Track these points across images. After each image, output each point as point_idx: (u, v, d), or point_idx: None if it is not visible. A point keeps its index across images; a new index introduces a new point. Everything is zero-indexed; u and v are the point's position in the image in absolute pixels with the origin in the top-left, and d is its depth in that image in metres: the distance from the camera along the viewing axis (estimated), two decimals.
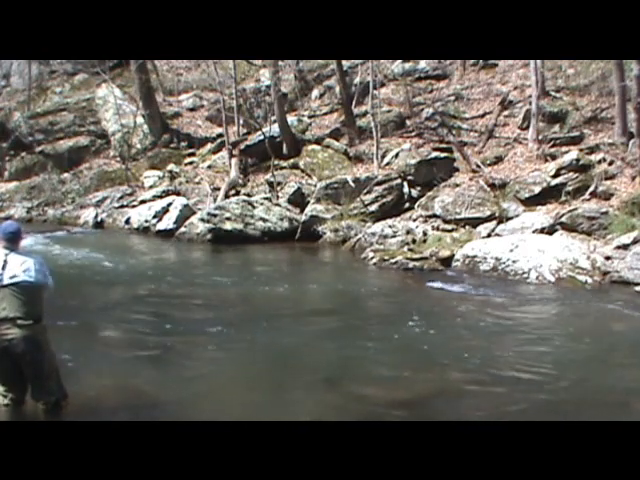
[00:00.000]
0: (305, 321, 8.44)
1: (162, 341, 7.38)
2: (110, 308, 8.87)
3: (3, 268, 4.80)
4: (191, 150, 20.31)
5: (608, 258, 11.11)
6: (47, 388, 4.92)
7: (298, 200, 16.01)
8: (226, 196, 16.75)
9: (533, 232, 12.62)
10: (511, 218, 13.56)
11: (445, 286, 10.41)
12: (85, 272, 11.40)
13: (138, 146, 20.71)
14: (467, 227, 13.75)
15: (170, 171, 18.99)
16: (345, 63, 19.40)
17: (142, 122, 20.80)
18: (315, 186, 16.02)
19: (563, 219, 12.89)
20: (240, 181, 17.84)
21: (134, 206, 17.63)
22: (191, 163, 19.68)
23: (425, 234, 13.50)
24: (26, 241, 5.28)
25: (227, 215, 15.07)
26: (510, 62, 18.78)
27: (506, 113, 17.37)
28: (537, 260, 11.01)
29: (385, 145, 17.18)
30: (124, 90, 21.90)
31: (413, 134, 17.76)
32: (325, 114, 19.87)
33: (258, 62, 22.27)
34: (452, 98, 18.59)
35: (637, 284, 10.21)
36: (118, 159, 20.43)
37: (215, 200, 16.66)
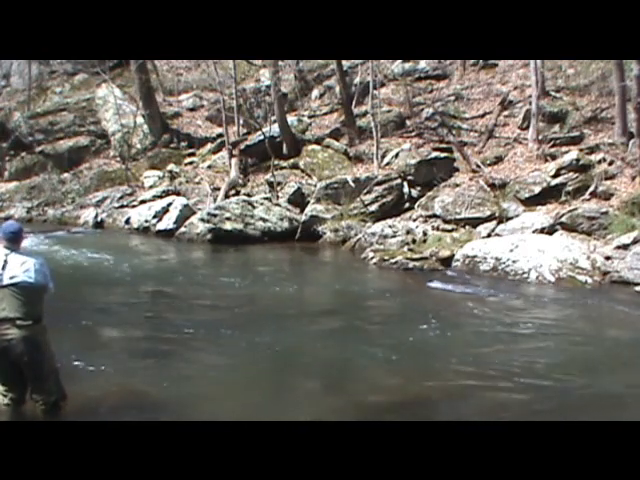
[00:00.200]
0: (305, 321, 8.44)
1: (162, 341, 7.38)
2: (110, 308, 8.87)
3: (3, 268, 4.79)
4: (191, 150, 20.32)
5: (608, 258, 11.11)
6: (46, 388, 4.92)
7: (298, 200, 16.01)
8: (226, 196, 16.75)
9: (533, 232, 12.62)
10: (511, 218, 13.56)
11: (445, 286, 10.41)
12: (85, 272, 11.41)
13: (138, 146, 20.71)
14: (467, 227, 13.75)
15: (170, 171, 18.99)
16: (345, 63, 19.40)
17: (142, 122, 20.81)
18: (315, 186, 16.02)
19: (563, 219, 12.89)
20: (240, 181, 17.85)
21: (134, 206, 17.63)
22: (191, 163, 19.68)
23: (425, 234, 13.50)
24: (26, 241, 5.26)
25: (227, 215, 15.07)
26: (510, 62, 18.78)
27: (506, 113, 17.37)
28: (537, 260, 11.01)
29: (385, 145, 17.18)
30: (124, 90, 21.91)
31: (413, 134, 17.76)
32: (325, 114, 19.87)
33: (258, 62, 22.27)
34: (452, 98, 18.59)
35: (637, 284, 10.21)
36: (118, 159, 20.43)
37: (215, 200, 16.67)
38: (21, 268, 4.81)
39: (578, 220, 12.78)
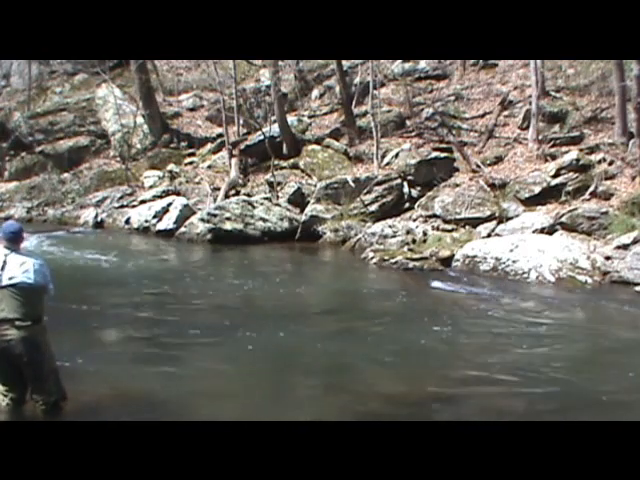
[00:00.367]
0: (305, 321, 8.44)
1: (162, 341, 7.38)
2: (109, 308, 8.87)
3: (2, 269, 4.78)
4: (191, 150, 20.30)
5: (608, 258, 11.11)
6: (46, 388, 4.92)
7: (298, 200, 16.00)
8: (226, 196, 16.74)
9: (533, 232, 12.62)
10: (511, 218, 13.56)
11: (445, 286, 10.41)
12: (85, 272, 11.41)
13: (138, 146, 20.70)
14: (467, 227, 13.75)
15: (170, 171, 18.98)
16: (345, 63, 19.38)
17: (142, 122, 20.79)
18: (315, 186, 16.02)
19: (563, 219, 12.89)
20: (240, 181, 17.84)
21: (134, 206, 17.61)
22: (191, 163, 19.67)
23: (425, 234, 13.50)
24: (26, 241, 5.25)
25: (227, 215, 15.06)
26: (510, 62, 18.77)
27: (506, 113, 17.36)
28: (537, 260, 11.01)
29: (385, 145, 17.17)
30: (124, 90, 21.89)
31: (413, 134, 17.75)
32: (325, 114, 19.86)
33: (258, 62, 22.25)
34: (452, 98, 18.58)
35: (637, 284, 10.21)
36: (118, 159, 20.41)
37: (215, 200, 16.66)
38: (20, 269, 4.80)
39: (578, 220, 12.78)
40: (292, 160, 17.56)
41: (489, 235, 13.23)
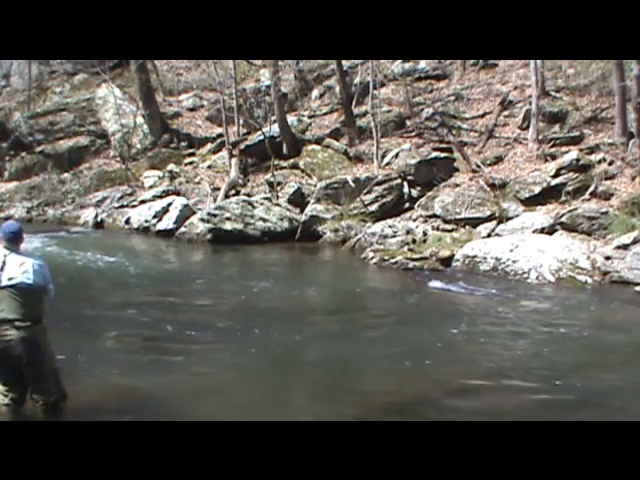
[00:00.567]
0: (305, 321, 8.44)
1: (162, 341, 7.39)
2: (110, 308, 8.87)
3: (1, 269, 4.78)
4: (191, 150, 20.31)
5: (608, 258, 11.11)
6: (46, 389, 4.92)
7: (298, 200, 16.01)
8: (226, 196, 16.74)
9: (533, 232, 12.62)
10: (511, 218, 13.56)
11: (445, 286, 10.41)
12: (85, 272, 11.41)
13: (138, 146, 20.71)
14: (467, 227, 13.75)
15: (170, 171, 18.99)
16: (345, 63, 19.39)
17: (142, 122, 20.80)
18: (315, 186, 16.02)
19: (563, 219, 12.89)
20: (240, 181, 17.84)
21: (134, 206, 17.62)
22: (191, 163, 19.68)
23: (425, 234, 13.50)
24: (26, 241, 5.25)
25: (227, 215, 15.07)
26: (510, 62, 18.78)
27: (506, 113, 17.37)
28: (537, 260, 11.01)
29: (385, 145, 17.17)
30: (124, 90, 21.90)
31: (413, 134, 17.76)
32: (325, 114, 19.86)
33: (258, 62, 22.26)
34: (452, 98, 18.59)
35: (637, 284, 10.21)
36: (118, 159, 20.43)
37: (215, 200, 16.66)
38: (20, 269, 4.79)
39: (578, 220, 12.78)
40: (292, 160, 17.57)
41: (489, 235, 13.24)
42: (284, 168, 17.34)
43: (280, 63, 19.99)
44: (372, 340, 7.56)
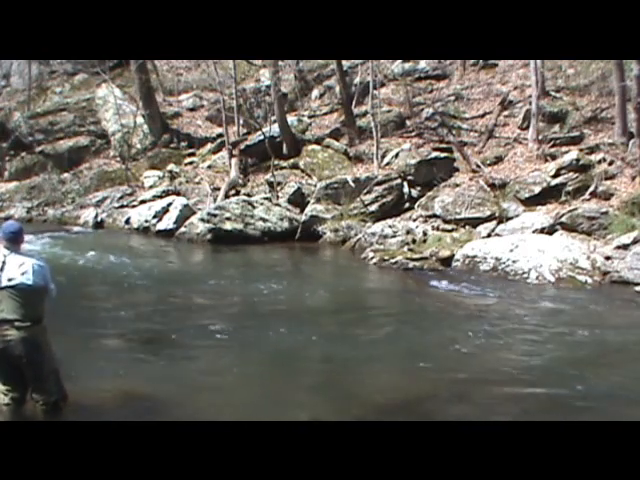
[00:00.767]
0: (306, 321, 8.44)
1: (162, 341, 7.39)
2: (110, 309, 8.88)
3: (1, 270, 4.77)
4: (191, 150, 20.31)
5: (608, 258, 11.11)
6: (46, 388, 4.92)
7: (298, 200, 16.01)
8: (226, 196, 16.74)
9: (533, 232, 12.62)
10: (511, 218, 13.56)
11: (445, 286, 10.41)
12: (85, 273, 11.41)
13: (138, 146, 20.71)
14: (467, 227, 13.75)
15: (170, 171, 18.98)
16: (345, 63, 19.39)
17: (142, 122, 20.80)
18: (315, 186, 16.02)
19: (563, 219, 12.89)
20: (240, 181, 17.84)
21: (134, 206, 17.62)
22: (191, 163, 19.68)
23: (425, 234, 13.50)
24: (26, 241, 5.24)
25: (227, 215, 15.07)
26: (510, 62, 18.77)
27: (506, 113, 17.36)
28: (537, 260, 11.01)
29: (385, 145, 17.17)
30: (124, 90, 21.90)
31: (413, 134, 17.76)
32: (325, 114, 19.86)
33: (258, 62, 22.26)
34: (452, 98, 18.58)
35: (637, 284, 10.21)
36: (118, 159, 20.42)
37: (215, 200, 16.66)
38: (19, 270, 4.79)
39: (578, 220, 12.78)
40: (292, 160, 17.56)
41: (489, 235, 13.24)
42: (284, 168, 17.34)
43: (280, 63, 19.99)
44: (372, 340, 7.56)
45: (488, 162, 15.74)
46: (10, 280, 4.76)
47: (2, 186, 20.37)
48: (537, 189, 14.01)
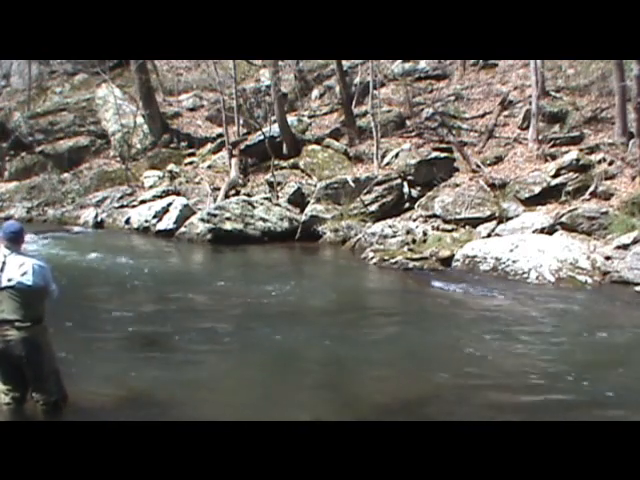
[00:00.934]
0: (306, 322, 8.44)
1: (162, 341, 7.39)
2: (111, 309, 8.87)
3: (1, 270, 4.77)
4: (191, 150, 20.31)
5: (608, 258, 11.11)
6: (47, 388, 4.92)
7: (298, 200, 16.01)
8: (226, 196, 16.74)
9: (533, 232, 12.62)
10: (511, 218, 13.56)
11: (445, 286, 10.41)
12: (86, 273, 11.40)
13: (138, 146, 20.71)
14: (467, 227, 13.75)
15: (170, 171, 18.99)
16: (345, 63, 19.39)
17: (142, 122, 20.80)
18: (315, 186, 16.02)
19: (563, 219, 12.89)
20: (240, 181, 17.84)
21: (134, 206, 17.63)
22: (191, 163, 19.68)
23: (425, 234, 13.50)
24: (26, 241, 5.24)
25: (227, 215, 15.07)
26: (510, 62, 18.78)
27: (506, 113, 17.36)
28: (537, 260, 11.01)
29: (385, 145, 17.17)
30: (124, 90, 21.90)
31: (413, 134, 17.76)
32: (325, 114, 19.87)
33: (258, 62, 22.26)
34: (452, 98, 18.59)
35: (637, 284, 10.21)
36: (118, 159, 20.43)
37: (215, 200, 16.66)
38: (19, 270, 4.78)
39: (578, 220, 12.78)
40: (292, 160, 17.57)
41: (489, 235, 13.24)
42: (284, 168, 17.34)
43: (280, 63, 19.99)
44: (372, 340, 7.56)
45: (488, 162, 15.74)
46: (10, 280, 4.76)
47: (2, 186, 20.38)
48: (537, 189, 14.01)
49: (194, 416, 5.01)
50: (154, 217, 16.23)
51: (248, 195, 16.63)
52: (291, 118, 19.05)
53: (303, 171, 17.19)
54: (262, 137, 18.22)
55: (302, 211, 15.61)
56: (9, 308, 4.76)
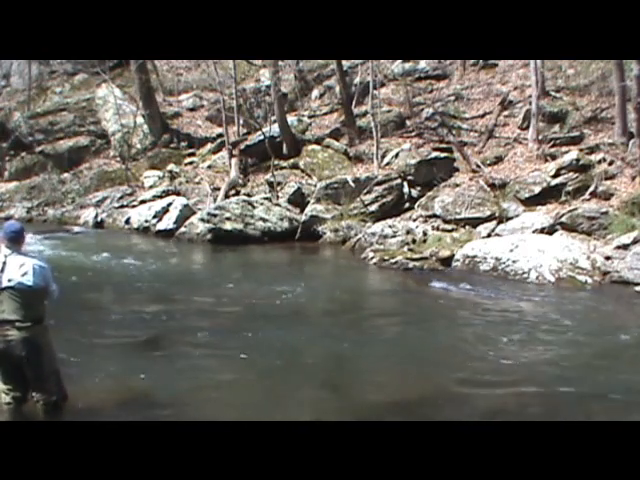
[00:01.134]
0: (306, 322, 8.44)
1: (162, 342, 7.39)
2: (111, 309, 8.88)
3: (2, 271, 4.77)
4: (191, 150, 20.32)
5: (608, 258, 11.11)
6: (47, 388, 4.92)
7: (298, 200, 16.01)
8: (226, 196, 16.75)
9: (533, 232, 12.62)
10: (511, 218, 13.56)
11: (445, 286, 10.41)
12: (86, 273, 11.39)
13: (138, 146, 20.72)
14: (467, 227, 13.75)
15: (170, 171, 18.99)
16: (345, 63, 19.40)
17: (142, 122, 20.81)
18: (315, 186, 16.03)
19: (563, 219, 12.89)
20: (240, 181, 17.85)
21: (134, 206, 17.63)
22: (191, 163, 19.69)
23: (425, 234, 13.50)
24: (26, 241, 5.23)
25: (227, 215, 15.07)
26: (510, 62, 18.78)
27: (506, 113, 17.37)
28: (537, 260, 11.01)
29: (385, 145, 17.18)
30: (124, 90, 21.91)
31: (413, 134, 17.76)
32: (325, 114, 19.87)
33: (258, 62, 22.27)
34: (452, 98, 18.59)
35: (637, 284, 10.21)
36: (118, 159, 20.44)
37: (215, 200, 16.67)
38: (19, 271, 4.78)
39: (578, 220, 12.78)
40: (292, 160, 17.57)
41: (489, 235, 13.24)
42: (284, 168, 17.35)
43: (280, 63, 19.99)
44: (372, 340, 7.56)
45: (488, 162, 15.74)
46: (10, 281, 4.76)
47: (2, 186, 20.39)
48: (537, 189, 14.01)
49: (194, 416, 5.01)
50: (154, 217, 16.23)
51: (248, 195, 16.63)
52: (291, 118, 19.06)
53: (303, 171, 17.19)
54: (262, 137, 18.22)
55: (302, 211, 15.61)
56: (10, 308, 4.76)
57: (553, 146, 15.48)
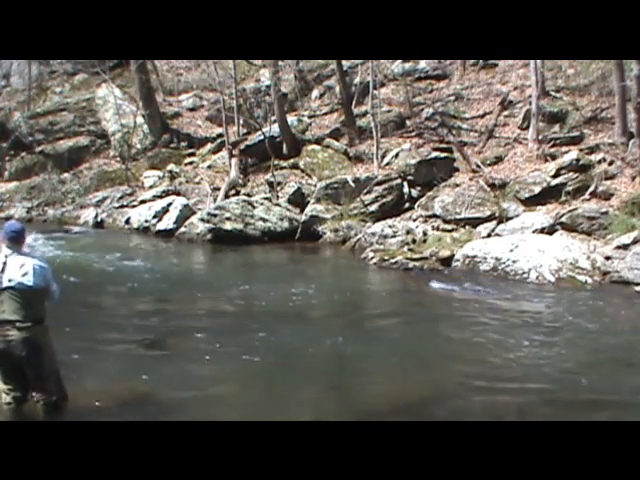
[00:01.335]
0: (306, 321, 8.44)
1: (163, 342, 7.39)
2: (111, 309, 8.88)
3: (2, 271, 4.77)
4: (191, 150, 20.33)
5: (608, 258, 11.11)
6: (47, 388, 4.92)
7: (298, 200, 16.01)
8: (226, 196, 16.75)
9: (533, 232, 12.62)
10: (511, 218, 13.56)
11: (445, 286, 10.41)
12: (86, 273, 11.39)
13: (138, 146, 20.72)
14: (467, 227, 13.75)
15: (170, 171, 19.00)
16: (345, 63, 19.40)
17: (142, 122, 20.81)
18: (315, 186, 16.03)
19: (563, 219, 12.89)
20: (240, 181, 17.85)
21: (134, 206, 17.64)
22: (191, 163, 19.69)
23: (425, 234, 13.50)
24: (26, 241, 5.23)
25: (227, 215, 15.07)
26: (510, 62, 18.79)
27: (506, 113, 17.37)
28: (537, 260, 11.01)
29: (385, 145, 17.18)
30: (124, 90, 21.91)
31: (413, 134, 17.77)
32: (325, 114, 19.87)
33: (258, 62, 22.27)
34: (452, 98, 18.59)
35: (637, 284, 10.21)
36: (118, 159, 20.44)
37: (215, 200, 16.67)
38: (20, 271, 4.78)
39: (578, 220, 12.78)
40: (292, 160, 17.57)
41: (489, 235, 13.24)
42: (284, 168, 17.35)
43: (280, 63, 20.00)
44: (372, 340, 7.56)
45: (488, 162, 15.74)
46: (10, 281, 4.76)
47: (2, 186, 20.39)
48: (537, 189, 14.02)
49: (194, 416, 5.01)
50: (154, 217, 16.23)
51: (248, 195, 16.64)
52: (291, 118, 19.06)
53: (303, 171, 17.19)
54: (262, 137, 18.22)
55: (302, 211, 15.62)
56: (10, 308, 4.76)
57: (553, 146, 15.48)
